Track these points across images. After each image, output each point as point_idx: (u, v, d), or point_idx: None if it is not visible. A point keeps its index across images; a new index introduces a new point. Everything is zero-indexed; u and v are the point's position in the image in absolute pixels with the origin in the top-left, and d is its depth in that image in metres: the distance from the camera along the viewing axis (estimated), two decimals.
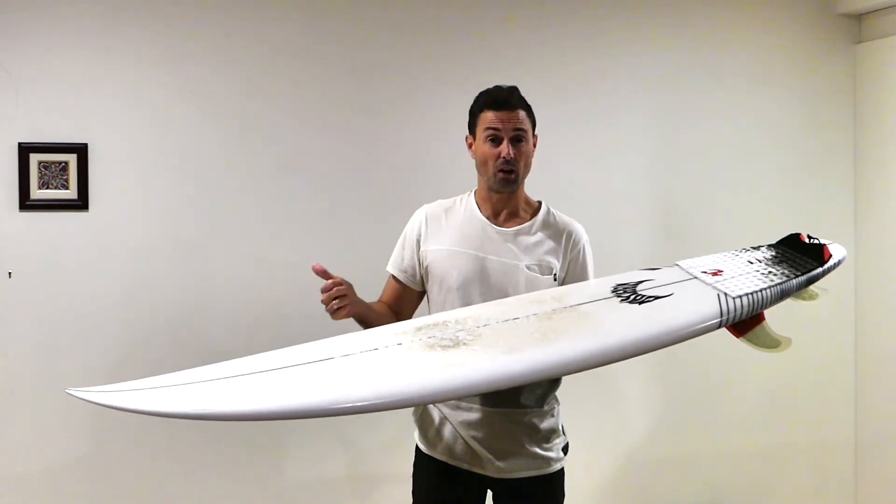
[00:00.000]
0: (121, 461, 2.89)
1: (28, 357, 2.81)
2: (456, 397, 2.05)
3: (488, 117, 2.14)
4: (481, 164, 2.18)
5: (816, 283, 2.08)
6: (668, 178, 3.41)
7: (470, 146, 2.22)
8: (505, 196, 2.19)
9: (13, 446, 2.81)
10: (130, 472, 2.90)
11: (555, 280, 2.15)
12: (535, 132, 2.21)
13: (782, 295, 1.96)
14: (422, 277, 2.23)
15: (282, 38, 3.01)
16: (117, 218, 2.87)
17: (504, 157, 2.12)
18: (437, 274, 2.18)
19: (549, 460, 2.18)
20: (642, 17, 3.35)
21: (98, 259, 2.85)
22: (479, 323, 1.81)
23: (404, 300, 2.27)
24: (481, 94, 2.20)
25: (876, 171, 3.51)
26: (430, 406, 2.20)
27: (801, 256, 2.08)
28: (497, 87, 2.18)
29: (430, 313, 2.20)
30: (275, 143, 3.01)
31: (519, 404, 2.14)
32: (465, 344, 1.72)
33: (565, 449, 2.24)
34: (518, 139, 2.14)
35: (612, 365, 1.79)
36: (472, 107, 2.21)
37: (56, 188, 2.81)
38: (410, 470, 2.30)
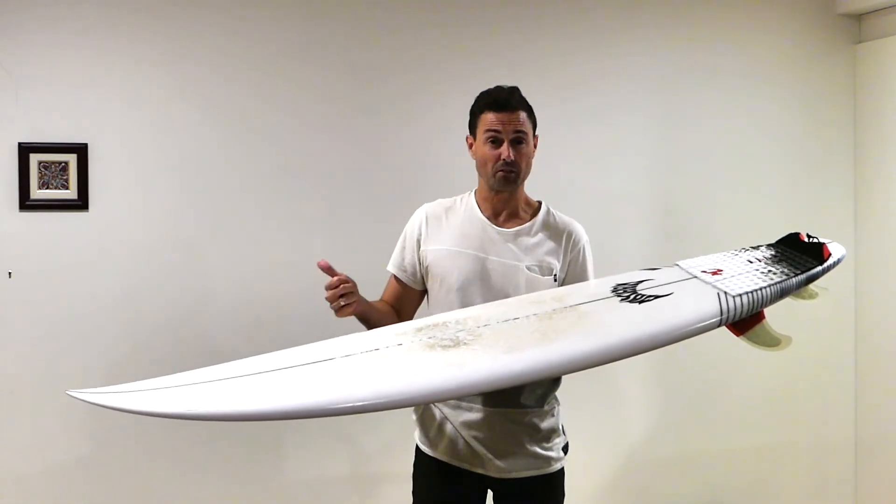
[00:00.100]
0: (121, 461, 2.89)
1: (28, 357, 2.81)
2: (456, 397, 2.05)
3: (489, 118, 2.14)
4: (481, 166, 2.18)
5: (816, 282, 2.08)
6: (668, 178, 3.42)
7: (470, 146, 2.22)
8: (505, 196, 2.19)
9: (13, 446, 2.81)
10: (130, 473, 2.91)
11: (555, 280, 2.15)
12: (536, 132, 2.21)
13: (782, 293, 1.97)
14: (422, 277, 2.24)
15: (282, 37, 3.01)
16: (117, 218, 2.87)
17: (504, 160, 2.12)
18: (438, 274, 2.18)
19: (549, 460, 2.18)
20: (642, 17, 3.35)
21: (98, 259, 2.85)
22: (479, 323, 1.82)
23: (405, 299, 2.27)
24: (482, 94, 2.20)
25: (876, 171, 3.51)
26: (431, 406, 2.20)
27: (800, 255, 2.08)
28: (498, 88, 2.18)
29: (430, 313, 2.20)
30: (275, 142, 3.01)
31: (519, 404, 2.14)
32: (465, 344, 1.73)
33: (565, 449, 2.25)
34: (518, 141, 2.13)
35: (612, 365, 1.80)
36: (472, 107, 2.21)
37: (56, 188, 2.81)
38: (410, 470, 2.30)
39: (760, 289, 1.91)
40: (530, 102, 2.19)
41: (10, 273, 2.78)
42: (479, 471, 2.16)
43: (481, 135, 2.15)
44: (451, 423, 2.17)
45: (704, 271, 2.00)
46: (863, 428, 3.59)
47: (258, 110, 2.99)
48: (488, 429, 2.14)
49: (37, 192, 2.80)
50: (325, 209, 3.06)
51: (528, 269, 2.14)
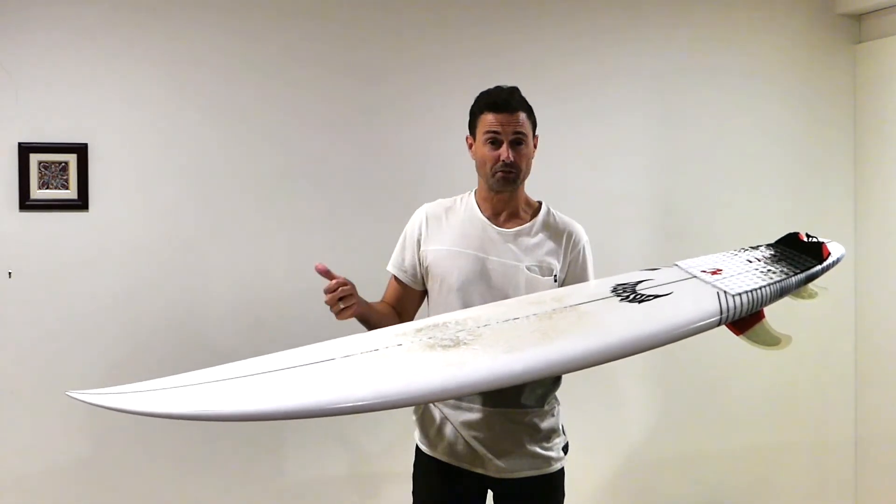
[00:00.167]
0: (121, 461, 2.89)
1: (28, 357, 2.81)
2: (457, 396, 2.05)
3: (488, 119, 2.14)
4: (481, 166, 2.18)
5: (815, 282, 2.08)
6: (668, 178, 3.42)
7: (470, 147, 2.22)
8: (505, 196, 2.19)
9: (13, 446, 2.81)
10: (131, 473, 2.90)
11: (555, 281, 2.15)
12: (536, 133, 2.21)
13: (781, 293, 1.97)
14: (422, 277, 2.24)
15: (282, 37, 3.01)
16: (117, 218, 2.87)
17: (504, 161, 2.12)
18: (438, 274, 2.18)
19: (549, 460, 2.18)
20: (642, 17, 3.35)
21: (98, 259, 2.85)
22: (479, 323, 1.82)
23: (406, 300, 2.27)
24: (482, 94, 2.20)
25: (876, 171, 3.51)
26: (431, 406, 2.20)
27: (799, 254, 2.08)
28: (498, 88, 2.18)
29: (430, 313, 2.20)
30: (275, 142, 3.01)
31: (519, 404, 2.14)
32: (465, 344, 1.73)
33: (565, 449, 2.25)
34: (518, 142, 2.13)
35: (612, 365, 1.80)
36: (472, 107, 2.21)
37: (56, 188, 2.81)
38: (410, 470, 2.30)
39: (760, 288, 1.91)
40: (530, 102, 2.19)
41: (10, 273, 2.78)
42: (479, 471, 2.16)
43: (481, 135, 2.15)
44: (452, 424, 2.17)
45: (704, 271, 2.00)
46: (863, 428, 3.59)
47: (258, 110, 2.99)
48: (488, 429, 2.14)
49: (37, 192, 2.80)
50: (325, 209, 3.06)
51: (529, 269, 2.14)
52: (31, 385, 2.81)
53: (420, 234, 2.23)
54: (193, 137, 2.94)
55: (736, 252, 2.13)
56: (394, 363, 1.68)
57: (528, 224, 2.20)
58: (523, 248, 2.17)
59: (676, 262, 2.08)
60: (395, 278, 2.28)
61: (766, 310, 1.96)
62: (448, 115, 2.83)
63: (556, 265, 2.16)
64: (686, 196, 3.44)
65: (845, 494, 3.62)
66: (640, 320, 1.82)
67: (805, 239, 2.12)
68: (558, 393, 2.23)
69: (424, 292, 2.26)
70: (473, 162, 2.22)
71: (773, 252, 2.12)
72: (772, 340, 1.94)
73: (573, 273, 2.20)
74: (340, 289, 2.00)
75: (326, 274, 2.02)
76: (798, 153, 3.54)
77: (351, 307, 2.02)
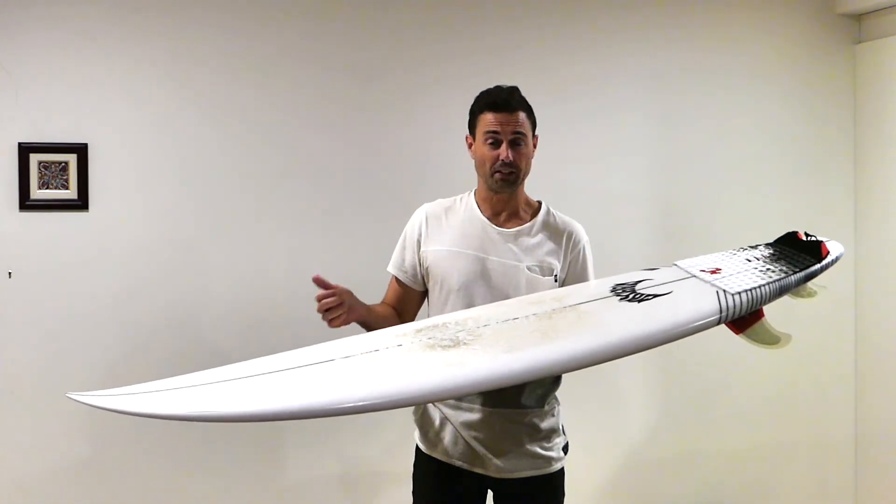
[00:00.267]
0: (121, 462, 2.89)
1: (28, 357, 2.81)
2: (457, 396, 2.06)
3: (488, 119, 2.14)
4: (480, 166, 2.18)
5: (814, 280, 2.08)
6: (668, 178, 3.42)
7: (470, 146, 2.22)
8: (505, 196, 2.19)
9: (13, 446, 2.81)
10: (131, 473, 2.90)
11: (555, 281, 2.15)
12: (536, 132, 2.21)
13: (781, 291, 1.97)
14: (423, 277, 2.24)
15: (282, 37, 3.01)
16: (117, 218, 2.87)
17: (503, 160, 2.12)
18: (438, 274, 2.18)
19: (549, 460, 2.18)
20: (642, 17, 3.35)
21: (98, 259, 2.85)
22: (479, 323, 1.82)
23: (407, 300, 2.27)
24: (481, 94, 2.20)
25: (876, 171, 3.51)
26: (431, 406, 2.20)
27: (798, 253, 2.08)
28: (497, 88, 2.18)
29: (430, 314, 2.20)
30: (275, 142, 3.01)
31: (519, 404, 2.14)
32: (465, 344, 1.73)
33: (565, 449, 2.25)
34: (517, 142, 2.13)
35: (612, 365, 1.80)
36: (472, 107, 2.21)
37: (56, 188, 2.81)
38: (410, 470, 2.30)
39: (759, 287, 1.91)
40: (530, 102, 2.19)
41: (10, 273, 2.78)
42: (479, 471, 2.16)
43: (480, 135, 2.16)
44: (452, 424, 2.17)
45: (703, 270, 2.00)
46: (863, 427, 3.59)
47: (258, 110, 2.99)
48: (488, 429, 2.14)
49: (37, 192, 2.80)
50: (325, 209, 3.06)
51: (529, 269, 2.14)
52: (31, 385, 2.81)
53: (420, 235, 2.23)
54: (193, 137, 2.94)
55: (735, 251, 2.13)
56: (394, 363, 1.68)
57: (528, 224, 2.20)
58: (523, 248, 2.17)
59: (676, 262, 2.08)
60: (396, 279, 2.28)
61: (766, 309, 1.96)
62: (448, 115, 2.83)
63: (557, 265, 2.16)
64: (686, 196, 3.44)
65: (845, 494, 3.62)
66: (639, 320, 1.82)
67: (804, 238, 2.12)
68: (558, 393, 2.23)
69: (425, 292, 2.26)
70: (473, 162, 2.22)
71: (772, 251, 2.12)
72: (771, 339, 1.94)
73: (573, 273, 2.20)
74: (323, 301, 2.00)
75: (321, 284, 2.02)
76: (798, 153, 3.54)
77: (339, 317, 2.02)
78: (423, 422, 2.24)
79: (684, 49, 3.40)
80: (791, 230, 2.18)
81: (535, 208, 2.25)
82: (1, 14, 2.76)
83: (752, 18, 3.48)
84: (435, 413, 2.20)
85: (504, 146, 2.12)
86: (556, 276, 2.15)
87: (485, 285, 2.13)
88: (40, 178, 2.80)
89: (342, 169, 3.07)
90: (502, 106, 2.13)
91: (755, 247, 2.16)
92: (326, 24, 3.05)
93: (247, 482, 3.01)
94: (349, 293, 2.05)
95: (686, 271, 2.01)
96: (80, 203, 2.83)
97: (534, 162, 2.21)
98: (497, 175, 2.14)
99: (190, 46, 2.92)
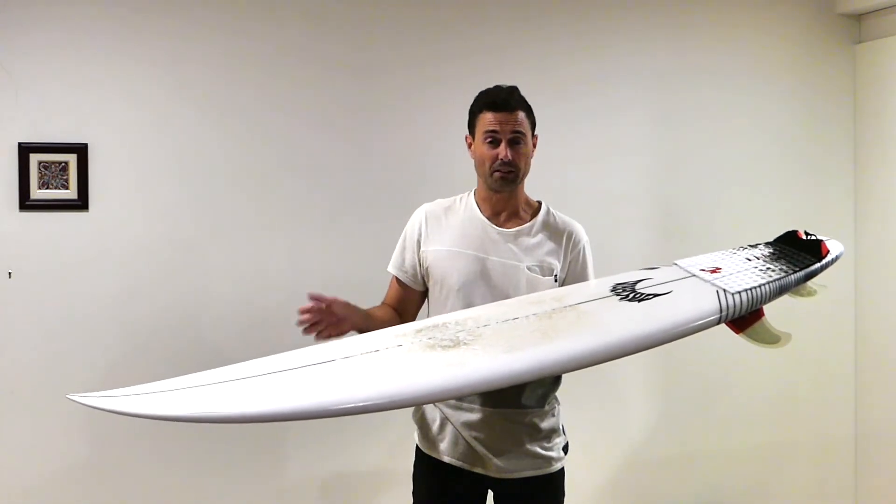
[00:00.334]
0: (121, 462, 2.89)
1: (28, 357, 2.81)
2: (457, 396, 2.05)
3: (487, 118, 2.14)
4: (479, 165, 2.18)
5: (814, 279, 2.08)
6: (668, 178, 3.42)
7: (469, 146, 2.23)
8: (505, 196, 2.19)
9: (13, 446, 2.80)
10: (131, 474, 2.90)
11: (555, 281, 2.15)
12: (535, 132, 2.21)
13: (781, 290, 1.97)
14: (423, 277, 2.23)
15: (282, 37, 3.01)
16: (117, 218, 2.87)
17: (502, 159, 2.12)
18: (438, 275, 2.18)
19: (549, 460, 2.18)
20: (642, 17, 3.35)
21: (98, 259, 2.85)
22: (479, 323, 1.82)
23: (407, 301, 2.27)
24: (481, 94, 2.20)
25: (876, 171, 3.51)
26: (431, 407, 2.20)
27: (798, 252, 2.08)
28: (497, 88, 2.18)
29: (430, 314, 2.20)
30: (275, 142, 3.01)
31: (520, 405, 2.14)
32: (465, 344, 1.73)
33: (565, 448, 2.25)
34: (516, 141, 2.13)
35: (612, 365, 1.80)
36: (471, 107, 2.21)
37: (56, 188, 2.81)
38: (411, 470, 2.30)
39: (759, 286, 1.91)
40: (530, 102, 2.19)
41: (10, 273, 2.78)
42: (479, 471, 2.16)
43: (480, 135, 2.16)
44: (452, 424, 2.17)
45: (703, 269, 2.00)
46: (863, 427, 3.59)
47: (258, 110, 2.99)
48: (489, 429, 2.13)
49: (37, 192, 2.80)
50: (325, 209, 3.06)
51: (529, 269, 2.14)
52: (31, 385, 2.81)
53: (420, 235, 2.23)
54: (193, 137, 2.94)
55: (735, 250, 2.13)
56: (394, 364, 1.68)
57: (528, 224, 2.20)
58: (523, 248, 2.17)
59: (675, 261, 2.08)
60: (396, 279, 2.28)
61: (766, 308, 1.96)
62: (448, 115, 2.83)
63: (557, 265, 2.16)
64: (686, 196, 3.44)
65: (845, 494, 3.62)
66: (639, 319, 1.82)
67: (804, 237, 2.12)
68: (558, 393, 2.23)
69: (425, 292, 2.26)
70: (473, 162, 2.22)
71: (771, 250, 2.12)
72: (771, 339, 1.94)
73: (573, 273, 2.20)
74: (301, 318, 1.99)
75: (315, 299, 2.00)
76: (798, 153, 3.54)
77: (324, 331, 2.00)
78: (423, 422, 2.23)
79: (684, 49, 3.40)
80: (791, 229, 2.18)
81: (534, 208, 2.25)
82: (1, 14, 2.76)
83: (752, 18, 3.48)
84: (435, 413, 2.20)
85: (503, 145, 2.12)
86: (556, 275, 2.15)
87: (485, 285, 2.13)
88: (40, 178, 2.80)
89: (342, 169, 3.07)
90: (501, 105, 2.13)
91: (755, 246, 2.16)
92: (326, 24, 3.05)
93: (247, 482, 3.01)
94: (344, 304, 2.03)
95: (686, 270, 2.01)
96: (80, 203, 2.83)
97: (534, 162, 2.21)
98: (497, 174, 2.14)
99: (190, 46, 2.92)
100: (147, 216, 2.90)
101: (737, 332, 1.94)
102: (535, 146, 2.21)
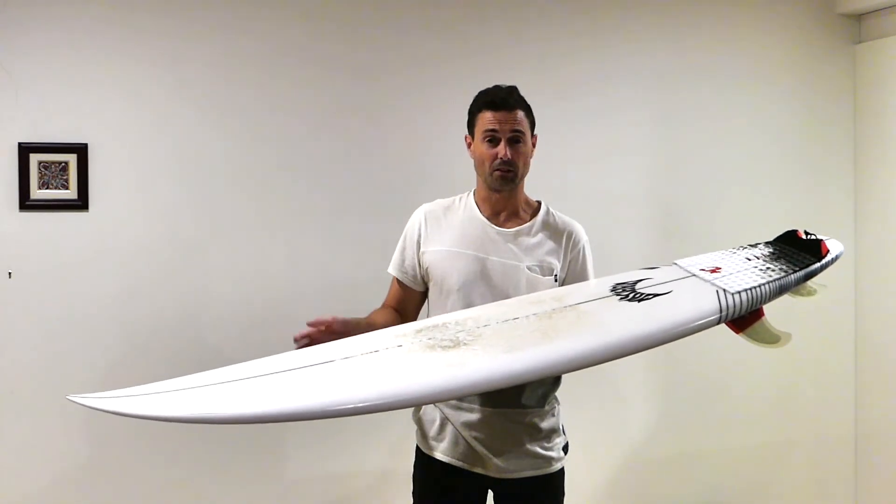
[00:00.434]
0: (122, 462, 2.89)
1: (28, 357, 2.81)
2: (457, 397, 2.05)
3: (486, 118, 2.14)
4: (479, 165, 2.18)
5: (814, 279, 2.08)
6: (668, 178, 3.42)
7: (469, 146, 2.23)
8: (504, 196, 2.19)
9: (12, 447, 2.80)
10: (131, 474, 2.90)
11: (555, 281, 2.15)
12: (535, 132, 2.21)
13: (781, 290, 1.97)
14: (423, 278, 2.23)
15: (282, 37, 3.01)
16: (117, 218, 2.87)
17: (501, 158, 2.12)
18: (438, 275, 2.18)
19: (549, 460, 2.18)
20: (642, 17, 3.35)
21: (98, 259, 2.85)
22: (478, 324, 1.82)
23: (408, 301, 2.27)
24: (480, 93, 2.20)
25: (876, 171, 3.51)
26: (431, 407, 2.20)
27: (798, 252, 2.08)
28: (496, 87, 2.18)
29: (430, 314, 2.20)
30: (275, 142, 3.01)
31: (520, 404, 2.14)
32: (465, 344, 1.73)
33: (565, 448, 2.25)
34: (515, 140, 2.14)
35: (612, 365, 1.80)
36: (470, 106, 2.21)
37: (56, 188, 2.81)
38: (411, 470, 2.30)
39: (759, 286, 1.91)
40: (530, 102, 2.20)
41: (10, 273, 2.78)
42: (479, 471, 2.16)
43: (479, 134, 2.16)
44: (452, 424, 2.17)
45: (703, 269, 2.00)
46: (863, 427, 3.59)
47: (258, 110, 2.99)
48: (489, 429, 2.14)
49: (37, 192, 2.80)
50: (324, 209, 3.05)
51: (529, 269, 2.14)
52: (30, 385, 2.81)
53: (419, 236, 2.23)
54: (193, 137, 2.94)
55: (735, 250, 2.13)
56: (394, 364, 1.68)
57: (527, 224, 2.20)
58: (523, 248, 2.17)
59: (675, 261, 2.08)
60: (397, 280, 2.28)
61: (766, 308, 1.96)
62: (448, 115, 2.83)
63: (557, 265, 2.16)
64: (686, 196, 3.44)
65: (845, 494, 3.62)
66: (639, 319, 1.82)
67: (804, 236, 2.12)
68: (558, 393, 2.23)
69: (426, 292, 2.26)
70: (473, 162, 2.22)
71: (771, 250, 2.12)
72: (771, 338, 1.94)
73: (573, 272, 2.20)
74: (300, 342, 1.94)
75: (314, 325, 1.96)
76: (798, 153, 3.54)
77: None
78: (424, 422, 2.24)
79: (684, 49, 3.40)
80: (791, 229, 2.18)
81: (534, 208, 2.25)
82: (1, 14, 2.76)
83: (752, 18, 3.48)
84: (435, 413, 2.20)
85: (502, 144, 2.12)
86: (555, 275, 2.15)
87: (485, 285, 2.13)
88: (40, 178, 2.80)
89: (342, 169, 3.07)
90: (500, 104, 2.13)
91: (755, 245, 2.16)
92: (326, 24, 3.05)
93: (247, 482, 3.01)
94: (342, 322, 1.99)
95: (686, 270, 2.01)
96: (80, 203, 2.83)
97: (534, 162, 2.21)
98: (496, 173, 2.14)
99: (190, 46, 2.92)
100: (147, 216, 2.90)
101: (737, 332, 1.94)
102: (534, 146, 2.21)
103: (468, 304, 2.09)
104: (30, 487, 2.82)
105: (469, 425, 2.15)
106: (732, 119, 3.46)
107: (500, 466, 2.14)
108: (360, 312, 2.19)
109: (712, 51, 3.43)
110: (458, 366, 1.66)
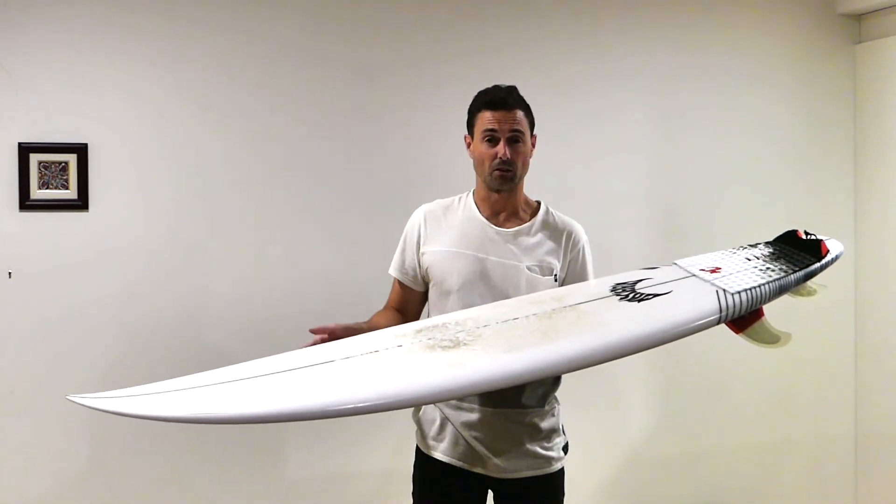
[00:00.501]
0: (122, 462, 2.89)
1: (28, 357, 2.81)
2: (457, 397, 2.05)
3: (486, 117, 2.14)
4: (479, 164, 2.18)
5: (814, 279, 2.08)
6: (668, 178, 3.42)
7: (468, 146, 2.23)
8: (504, 196, 2.19)
9: (13, 447, 2.80)
10: (131, 474, 2.90)
11: (555, 281, 2.15)
12: (534, 132, 2.21)
13: (780, 290, 1.97)
14: (423, 278, 2.23)
15: (282, 37, 3.01)
16: (117, 218, 2.87)
17: (500, 158, 2.12)
18: (438, 275, 2.18)
19: (549, 459, 2.18)
20: (642, 17, 3.35)
21: (98, 259, 2.85)
22: (478, 324, 1.82)
23: (410, 302, 2.27)
24: (479, 93, 2.20)
25: (876, 171, 3.51)
26: (431, 407, 2.20)
27: (798, 252, 2.08)
28: (495, 87, 2.18)
29: (430, 314, 2.20)
30: (275, 142, 3.01)
31: (520, 404, 2.14)
32: (465, 344, 1.73)
33: (565, 448, 2.25)
34: (515, 139, 2.14)
35: (613, 365, 1.80)
36: (470, 106, 2.21)
37: (56, 188, 2.81)
38: (411, 471, 2.30)
39: (759, 286, 1.91)
40: (530, 102, 2.20)
41: (10, 273, 2.78)
42: (480, 470, 2.16)
43: (478, 134, 2.16)
44: (452, 424, 2.17)
45: (703, 269, 2.00)
46: (863, 426, 3.59)
47: (258, 110, 2.99)
48: (489, 429, 2.14)
49: (37, 192, 2.80)
50: (324, 209, 3.05)
51: (529, 269, 2.14)
52: (30, 385, 2.81)
53: (419, 236, 2.23)
54: (194, 137, 2.94)
55: (735, 250, 2.13)
56: (394, 364, 1.68)
57: (527, 224, 2.20)
58: (523, 248, 2.17)
59: (675, 261, 2.08)
60: (398, 281, 2.28)
61: (766, 308, 1.96)
62: (448, 115, 2.83)
63: (557, 265, 2.16)
64: (686, 196, 3.44)
65: (845, 494, 3.62)
66: (639, 319, 1.82)
67: (804, 236, 2.12)
68: (558, 393, 2.23)
69: (427, 293, 2.26)
70: (472, 161, 2.22)
71: (771, 250, 2.12)
72: (771, 338, 1.94)
73: (573, 272, 2.20)
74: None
75: (317, 332, 1.95)
76: (798, 153, 3.54)
77: None
78: (424, 422, 2.24)
79: (684, 49, 3.40)
80: (791, 229, 2.18)
81: (534, 208, 2.25)
82: (1, 14, 2.76)
83: (753, 19, 3.48)
84: (435, 413, 2.20)
85: (502, 144, 2.12)
86: (555, 275, 2.15)
87: (484, 285, 2.13)
88: (40, 178, 2.80)
89: (342, 169, 3.07)
90: (500, 104, 2.13)
91: (755, 245, 2.16)
92: (326, 24, 3.05)
93: (247, 482, 3.01)
94: (344, 329, 1.97)
95: (686, 270, 2.01)
96: (80, 203, 2.83)
97: (534, 162, 2.21)
98: (496, 173, 2.14)
99: (190, 46, 2.92)
100: (147, 216, 2.90)
101: (737, 332, 1.94)
102: (534, 146, 2.21)
103: (468, 305, 2.09)
104: (30, 487, 2.82)
105: (469, 425, 2.15)
106: (732, 119, 3.46)
107: (500, 466, 2.14)
108: (360, 312, 2.19)
109: (712, 51, 3.43)
110: (457, 366, 1.66)
